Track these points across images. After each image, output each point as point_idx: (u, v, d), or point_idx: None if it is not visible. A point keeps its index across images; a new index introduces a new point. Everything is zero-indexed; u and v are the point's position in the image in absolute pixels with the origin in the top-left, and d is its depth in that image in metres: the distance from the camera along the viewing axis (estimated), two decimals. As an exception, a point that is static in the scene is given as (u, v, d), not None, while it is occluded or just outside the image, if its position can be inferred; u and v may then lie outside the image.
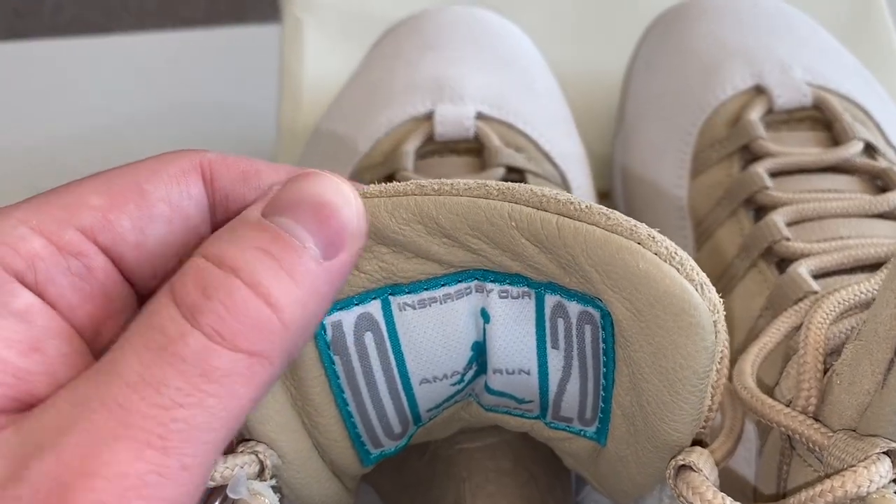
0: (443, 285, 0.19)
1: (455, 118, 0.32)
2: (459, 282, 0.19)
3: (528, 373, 0.20)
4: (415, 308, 0.19)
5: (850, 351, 0.19)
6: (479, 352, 0.20)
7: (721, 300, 0.17)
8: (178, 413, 0.14)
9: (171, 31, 0.60)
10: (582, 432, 0.21)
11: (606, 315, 0.17)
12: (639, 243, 0.16)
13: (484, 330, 0.19)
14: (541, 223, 0.16)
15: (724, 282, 0.29)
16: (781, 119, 0.33)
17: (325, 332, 0.18)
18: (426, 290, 0.18)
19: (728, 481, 0.20)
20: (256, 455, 0.18)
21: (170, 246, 0.17)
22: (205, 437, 0.14)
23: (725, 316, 0.19)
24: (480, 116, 0.33)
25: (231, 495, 0.17)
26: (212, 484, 0.17)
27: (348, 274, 0.17)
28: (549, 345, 0.19)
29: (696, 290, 0.16)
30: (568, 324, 0.18)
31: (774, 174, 0.30)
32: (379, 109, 0.34)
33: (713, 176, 0.32)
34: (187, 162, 0.17)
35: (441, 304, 0.19)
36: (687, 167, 0.33)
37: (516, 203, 0.17)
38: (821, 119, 0.33)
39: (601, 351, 0.18)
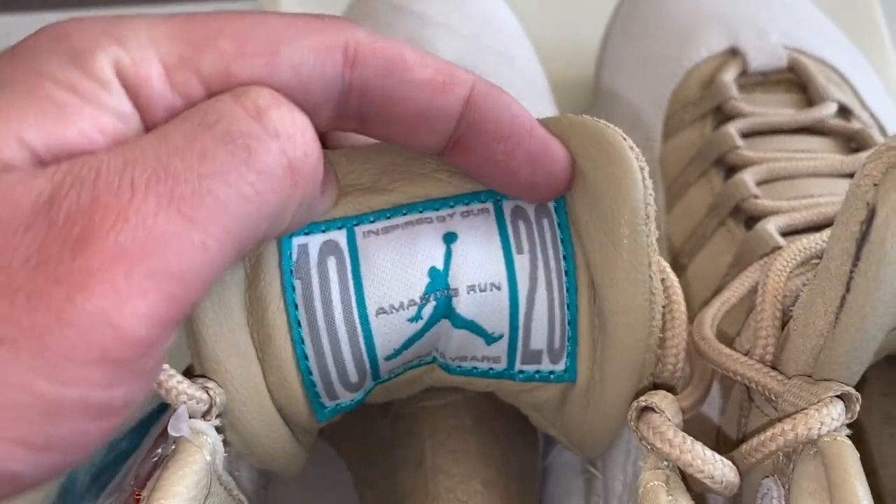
0: (404, 214, 0.20)
1: (426, 80, 0.32)
2: (421, 211, 0.20)
3: (499, 287, 0.20)
4: (378, 234, 0.19)
5: (805, 294, 0.19)
6: (437, 281, 0.19)
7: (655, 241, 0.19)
8: (214, 186, 0.14)
9: (155, 5, 0.59)
10: (551, 374, 0.20)
11: (559, 199, 0.20)
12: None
13: (447, 253, 0.19)
14: None
15: (693, 241, 0.29)
16: (756, 81, 0.32)
17: (290, 254, 0.19)
18: (389, 217, 0.19)
19: (697, 433, 0.20)
20: (207, 391, 0.17)
21: None
22: (230, 225, 0.14)
23: (694, 275, 0.20)
24: (452, 79, 0.32)
25: (171, 433, 0.16)
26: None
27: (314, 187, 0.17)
28: (514, 250, 0.20)
29: (619, 135, 0.18)
30: (528, 223, 0.20)
31: (747, 135, 0.30)
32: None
33: (685, 137, 0.32)
34: (334, 38, 0.16)
35: (403, 229, 0.19)
36: (659, 130, 0.33)
37: None
38: (796, 82, 0.32)
39: (560, 248, 0.20)
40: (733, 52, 0.33)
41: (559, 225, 0.20)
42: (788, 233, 0.26)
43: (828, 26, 0.36)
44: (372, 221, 0.20)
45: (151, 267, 0.13)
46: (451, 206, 0.20)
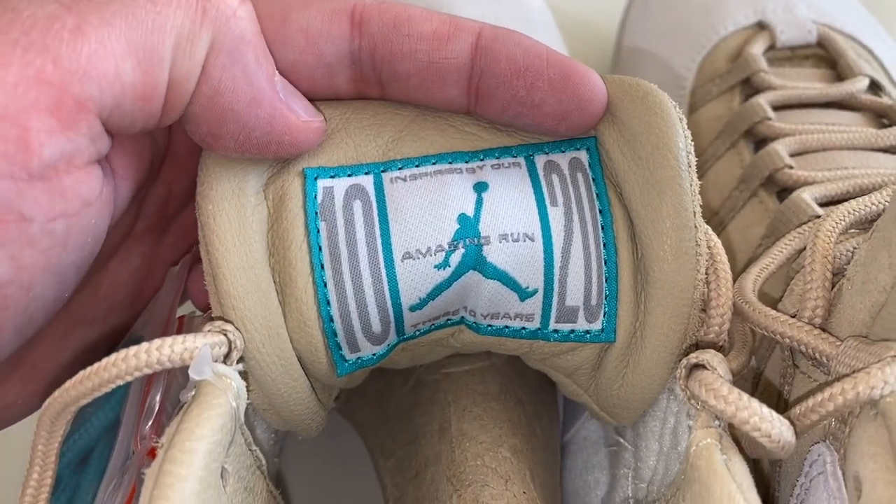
0: (433, 163, 0.19)
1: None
2: (450, 162, 0.19)
3: (533, 238, 0.19)
4: (405, 181, 0.19)
5: (865, 249, 0.18)
6: (467, 228, 0.18)
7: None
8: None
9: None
10: (587, 334, 0.19)
11: (592, 150, 0.19)
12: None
13: (478, 200, 0.19)
14: None
15: (721, 214, 0.28)
16: (784, 56, 0.32)
17: (315, 196, 0.18)
18: (418, 166, 0.19)
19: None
20: (225, 335, 0.16)
21: (297, 73, 0.18)
22: (114, 20, 0.14)
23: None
24: (472, 45, 0.31)
25: (193, 376, 0.15)
26: (158, 367, 0.15)
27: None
28: (548, 202, 0.19)
29: (655, 87, 0.19)
30: (562, 177, 0.19)
31: (777, 108, 0.29)
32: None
33: (712, 110, 0.31)
34: (342, 4, 0.18)
35: (432, 177, 0.19)
36: (685, 102, 0.32)
37: None
38: (825, 57, 0.32)
39: (595, 202, 0.19)
40: (761, 26, 0.32)
41: (594, 180, 0.20)
42: (824, 203, 0.25)
43: (852, 1, 0.36)
44: (400, 168, 0.19)
45: (14, 38, 0.14)
46: (482, 159, 0.20)
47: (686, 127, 0.19)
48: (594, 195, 0.19)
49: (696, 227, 0.18)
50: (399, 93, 0.18)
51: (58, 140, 0.14)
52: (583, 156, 0.20)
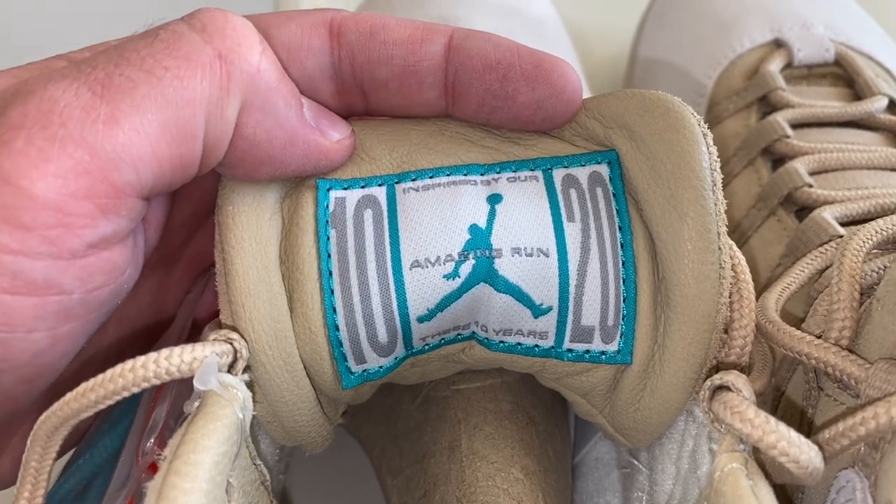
0: (448, 174, 0.19)
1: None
2: (465, 174, 0.19)
3: (547, 254, 0.18)
4: (418, 191, 0.18)
5: (897, 267, 0.17)
6: (478, 239, 0.18)
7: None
8: (127, 70, 0.15)
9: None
10: (603, 355, 0.19)
11: (614, 164, 0.19)
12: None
13: (491, 212, 0.18)
14: None
15: (738, 233, 0.28)
16: (801, 74, 0.31)
17: (327, 205, 0.18)
18: (432, 177, 0.19)
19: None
20: (231, 344, 0.16)
21: None
22: (145, 105, 0.15)
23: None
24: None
25: (198, 386, 0.14)
26: (166, 378, 0.15)
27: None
28: (564, 218, 0.19)
29: (678, 101, 0.18)
30: (580, 191, 0.19)
31: (794, 126, 0.29)
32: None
33: (729, 127, 0.30)
34: (319, 17, 0.18)
35: (445, 187, 0.19)
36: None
37: None
38: (842, 76, 0.31)
39: (615, 218, 0.19)
40: (777, 44, 0.32)
41: (614, 195, 0.19)
42: (845, 223, 0.25)
43: (868, 20, 0.35)
44: (413, 180, 0.19)
45: (53, 132, 0.14)
46: (498, 172, 0.19)
47: (711, 143, 0.18)
48: (614, 211, 0.19)
49: (719, 248, 0.17)
50: (381, 100, 0.19)
51: (98, 223, 0.15)
52: (603, 170, 0.19)
